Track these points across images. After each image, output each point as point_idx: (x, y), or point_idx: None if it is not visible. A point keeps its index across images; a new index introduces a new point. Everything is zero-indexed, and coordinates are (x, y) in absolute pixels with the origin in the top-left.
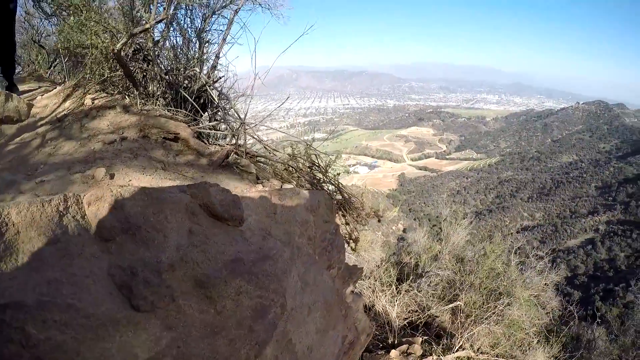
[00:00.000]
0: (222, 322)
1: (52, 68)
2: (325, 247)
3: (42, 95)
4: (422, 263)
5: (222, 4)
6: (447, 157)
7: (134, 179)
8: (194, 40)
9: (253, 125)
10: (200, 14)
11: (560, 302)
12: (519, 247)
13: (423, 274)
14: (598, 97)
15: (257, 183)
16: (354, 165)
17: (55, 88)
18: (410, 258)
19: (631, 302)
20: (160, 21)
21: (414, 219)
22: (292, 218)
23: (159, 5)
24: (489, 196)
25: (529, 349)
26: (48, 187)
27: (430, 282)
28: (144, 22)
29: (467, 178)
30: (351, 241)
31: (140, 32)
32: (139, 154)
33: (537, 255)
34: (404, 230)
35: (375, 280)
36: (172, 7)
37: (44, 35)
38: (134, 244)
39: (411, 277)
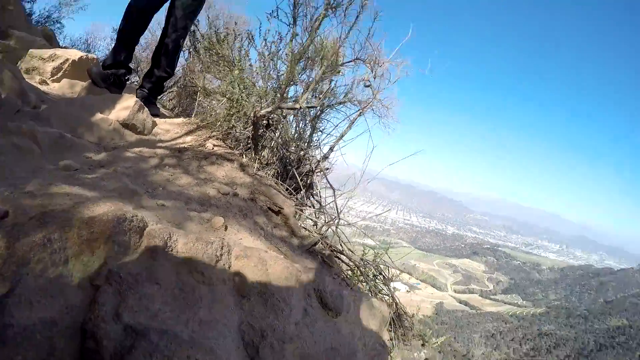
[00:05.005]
0: None
1: (166, 92)
2: (373, 357)
3: (164, 119)
4: None
5: (341, 99)
6: (492, 297)
7: (243, 238)
8: (308, 125)
9: (345, 224)
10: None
11: None
12: None
13: None
14: None
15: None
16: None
17: (176, 117)
18: None
19: None
20: (311, 107)
21: (439, 352)
22: (358, 320)
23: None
24: (523, 346)
25: None
26: (169, 214)
27: None
28: (293, 99)
29: (506, 323)
30: (390, 357)
31: (288, 109)
32: (247, 215)
33: None
34: None
35: None
36: (325, 99)
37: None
38: (264, 308)
39: None
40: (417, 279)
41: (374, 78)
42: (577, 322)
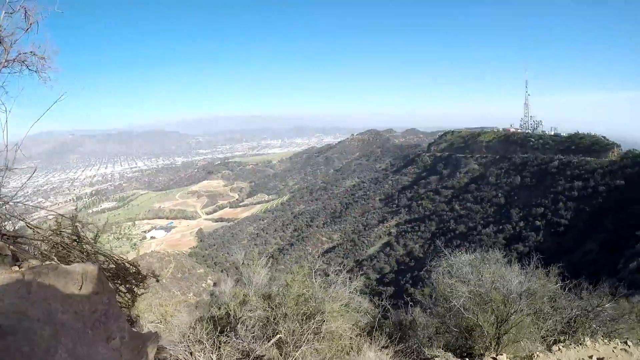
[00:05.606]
0: None
1: None
2: (98, 318)
3: None
4: (233, 311)
5: None
6: (241, 204)
7: None
8: None
9: (13, 203)
10: None
11: (371, 302)
12: (324, 270)
13: (237, 320)
14: (369, 127)
15: (15, 265)
16: (149, 230)
17: None
18: (221, 309)
19: (435, 279)
20: None
21: (221, 271)
22: (51, 295)
23: None
24: (287, 231)
25: (358, 351)
26: None
27: (246, 327)
28: None
29: (263, 220)
30: (134, 307)
31: None
32: None
33: (336, 270)
34: (215, 285)
35: (190, 342)
36: None
37: None
38: None
39: (227, 327)
40: (167, 218)
41: None
42: (320, 195)
